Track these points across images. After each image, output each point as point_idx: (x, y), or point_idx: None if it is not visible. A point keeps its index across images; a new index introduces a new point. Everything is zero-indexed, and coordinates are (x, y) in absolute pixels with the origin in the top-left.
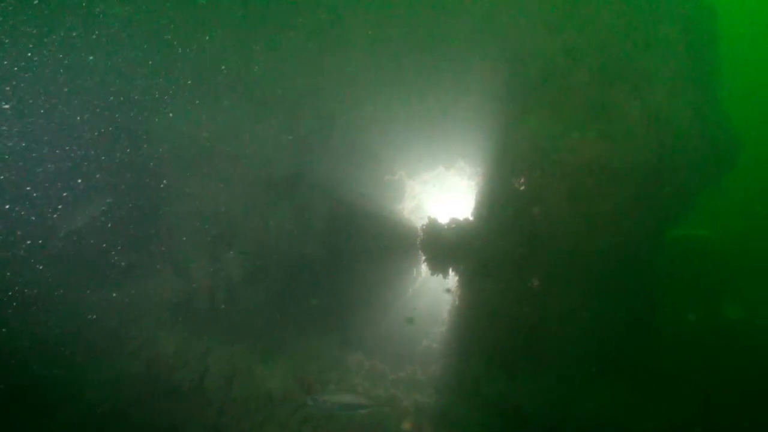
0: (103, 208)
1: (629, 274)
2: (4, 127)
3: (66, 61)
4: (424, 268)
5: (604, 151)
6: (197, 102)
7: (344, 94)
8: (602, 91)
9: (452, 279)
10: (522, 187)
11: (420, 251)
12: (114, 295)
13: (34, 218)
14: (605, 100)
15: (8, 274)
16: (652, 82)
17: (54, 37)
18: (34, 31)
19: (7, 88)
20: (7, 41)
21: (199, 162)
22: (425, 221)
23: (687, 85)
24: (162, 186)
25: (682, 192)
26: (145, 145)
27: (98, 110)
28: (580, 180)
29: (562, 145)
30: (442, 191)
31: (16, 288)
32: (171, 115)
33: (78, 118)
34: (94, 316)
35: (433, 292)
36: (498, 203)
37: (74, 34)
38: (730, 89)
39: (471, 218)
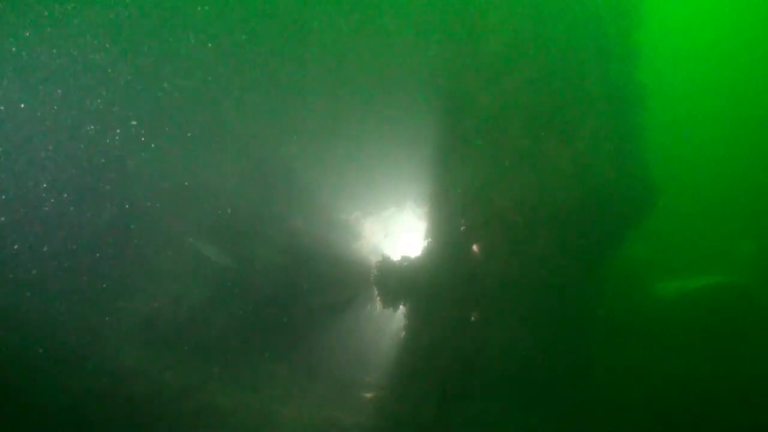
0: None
1: (561, 310)
2: None
3: None
4: (377, 302)
5: (534, 195)
6: (166, 142)
7: (305, 140)
8: (533, 141)
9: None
10: (462, 227)
11: (373, 286)
12: (79, 310)
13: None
14: (535, 149)
15: None
16: (577, 133)
17: None
18: None
19: None
20: None
21: (165, 195)
22: (379, 258)
23: (608, 136)
24: (129, 214)
25: (606, 233)
26: (114, 176)
27: (72, 142)
28: (512, 221)
29: (496, 188)
30: (395, 229)
31: None
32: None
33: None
34: (60, 329)
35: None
36: (443, 241)
37: None
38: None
39: (420, 255)
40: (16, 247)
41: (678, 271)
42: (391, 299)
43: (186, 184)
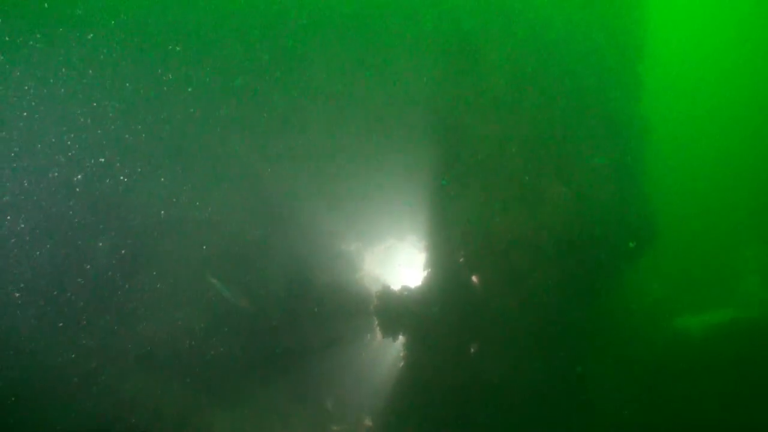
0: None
1: (561, 342)
2: None
3: None
4: (377, 331)
5: (533, 228)
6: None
7: (307, 172)
8: (532, 175)
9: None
10: (461, 260)
11: (374, 316)
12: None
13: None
14: (535, 184)
15: None
16: (577, 168)
17: None
18: None
19: None
20: None
21: (166, 226)
22: (379, 288)
23: (608, 173)
24: (128, 245)
25: (603, 268)
26: (114, 206)
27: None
28: (509, 254)
29: (494, 223)
30: (395, 261)
31: None
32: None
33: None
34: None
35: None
36: (441, 274)
37: None
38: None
39: (420, 286)
40: (13, 275)
41: (695, 305)
42: (390, 328)
43: (188, 215)
